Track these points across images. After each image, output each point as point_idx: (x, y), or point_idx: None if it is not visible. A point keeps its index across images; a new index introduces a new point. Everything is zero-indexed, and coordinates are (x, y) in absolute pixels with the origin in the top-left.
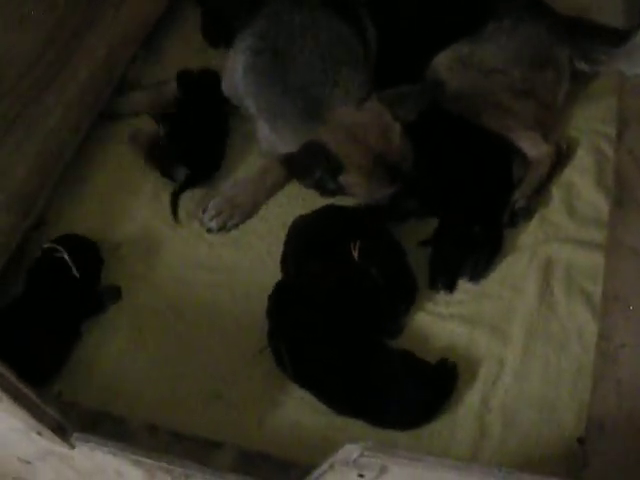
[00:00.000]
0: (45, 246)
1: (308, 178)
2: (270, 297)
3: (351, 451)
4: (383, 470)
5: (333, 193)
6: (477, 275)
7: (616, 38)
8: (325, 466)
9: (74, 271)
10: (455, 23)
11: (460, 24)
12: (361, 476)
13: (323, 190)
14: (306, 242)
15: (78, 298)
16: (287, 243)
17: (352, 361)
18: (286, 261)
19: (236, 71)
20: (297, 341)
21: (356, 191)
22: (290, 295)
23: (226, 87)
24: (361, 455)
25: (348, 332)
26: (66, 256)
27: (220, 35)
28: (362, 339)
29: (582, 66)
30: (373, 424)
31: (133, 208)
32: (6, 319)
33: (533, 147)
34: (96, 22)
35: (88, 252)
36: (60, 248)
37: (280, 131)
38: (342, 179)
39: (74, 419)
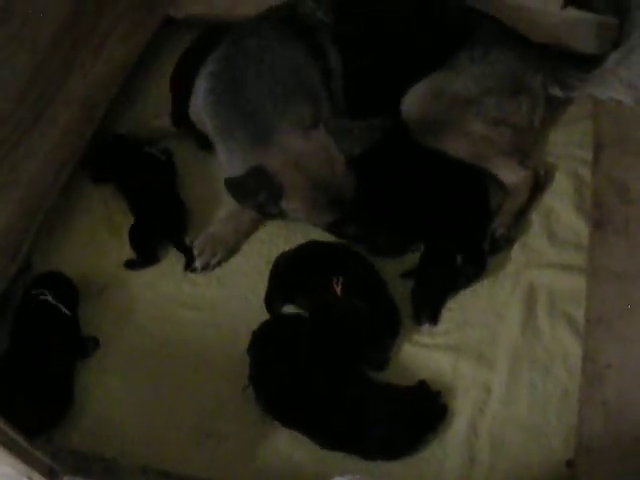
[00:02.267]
0: (33, 292)
1: (250, 201)
2: (250, 342)
3: None
4: None
5: (274, 216)
6: None
7: (588, 63)
8: None
9: (64, 309)
10: (425, 52)
11: (430, 53)
12: None
13: (264, 213)
14: (289, 279)
15: (69, 339)
16: (270, 280)
17: (334, 394)
18: (270, 299)
19: (198, 95)
20: (274, 381)
21: (296, 215)
22: (270, 334)
23: (191, 112)
24: None
25: (331, 365)
26: (50, 298)
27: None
28: (345, 372)
29: (556, 92)
30: (356, 454)
31: (117, 250)
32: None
33: (511, 174)
34: (76, 66)
35: (68, 289)
36: (45, 292)
37: (231, 154)
38: (283, 203)
39: (65, 462)
